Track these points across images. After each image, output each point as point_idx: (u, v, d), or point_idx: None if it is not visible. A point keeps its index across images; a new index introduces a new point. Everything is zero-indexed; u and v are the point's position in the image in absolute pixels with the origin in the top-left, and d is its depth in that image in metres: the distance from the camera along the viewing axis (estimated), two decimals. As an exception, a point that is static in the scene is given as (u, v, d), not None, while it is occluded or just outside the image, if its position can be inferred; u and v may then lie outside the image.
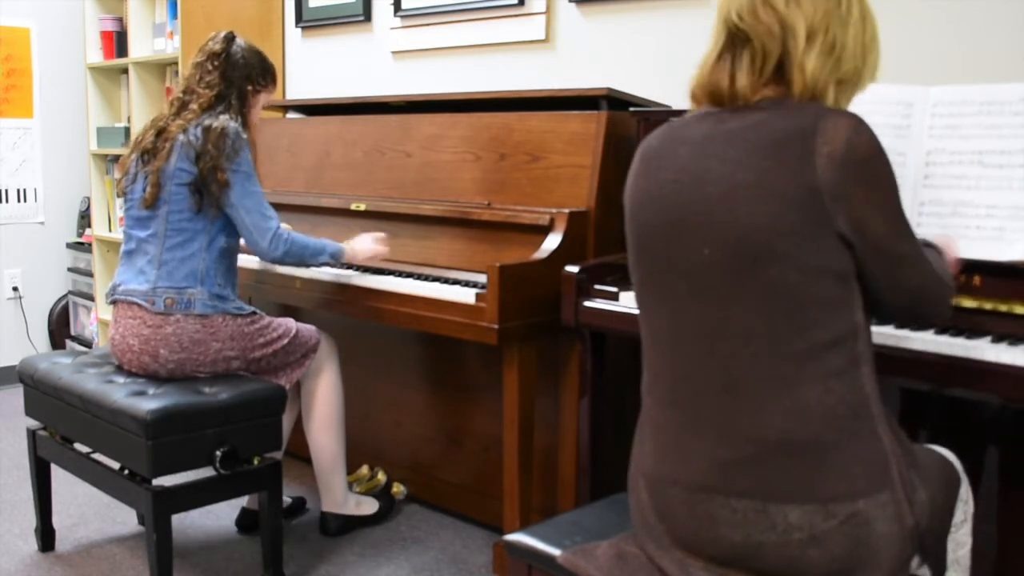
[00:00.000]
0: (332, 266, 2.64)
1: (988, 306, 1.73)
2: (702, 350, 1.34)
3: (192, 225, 2.40)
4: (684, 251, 1.35)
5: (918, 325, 1.67)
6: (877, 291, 1.36)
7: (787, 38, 1.35)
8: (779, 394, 1.29)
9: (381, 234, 2.67)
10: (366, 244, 2.65)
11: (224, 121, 2.42)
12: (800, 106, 1.34)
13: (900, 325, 1.67)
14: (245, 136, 2.46)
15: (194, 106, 2.48)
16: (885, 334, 1.67)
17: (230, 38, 2.56)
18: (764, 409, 1.29)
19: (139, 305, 2.39)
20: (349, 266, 2.69)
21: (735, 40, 1.38)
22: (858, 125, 1.30)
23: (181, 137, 2.41)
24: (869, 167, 1.29)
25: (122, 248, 2.52)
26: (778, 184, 1.28)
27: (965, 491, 1.52)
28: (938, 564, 1.43)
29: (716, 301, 1.32)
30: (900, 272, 1.35)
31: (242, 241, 2.52)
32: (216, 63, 2.52)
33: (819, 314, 1.28)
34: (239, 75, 2.53)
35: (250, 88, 2.56)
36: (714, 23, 1.42)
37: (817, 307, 1.28)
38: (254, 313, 2.49)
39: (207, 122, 2.42)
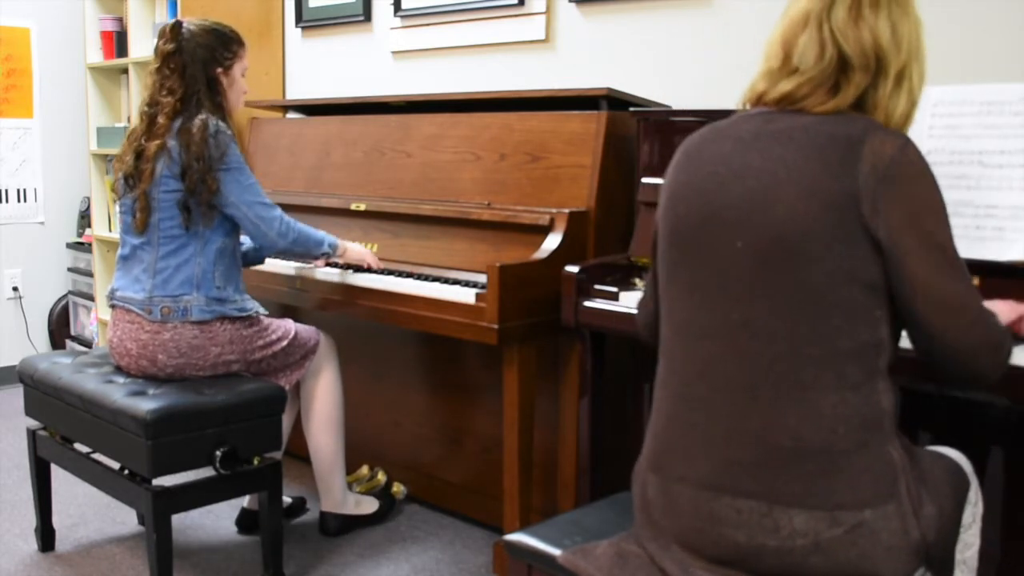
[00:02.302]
0: (329, 258, 2.61)
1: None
2: (723, 347, 1.34)
3: (185, 231, 2.36)
4: (717, 243, 1.36)
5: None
6: (915, 334, 1.32)
7: (878, 75, 1.37)
8: (794, 399, 1.28)
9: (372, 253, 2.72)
10: (360, 247, 2.68)
11: (201, 122, 2.34)
12: (855, 117, 1.35)
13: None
14: (229, 131, 2.39)
15: (161, 119, 2.38)
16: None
17: (177, 29, 2.43)
18: (778, 412, 1.29)
19: (136, 312, 2.38)
20: (347, 266, 2.69)
21: (842, 63, 1.37)
22: (906, 145, 1.30)
23: (161, 154, 2.34)
24: (911, 188, 1.28)
25: (118, 251, 2.50)
26: (818, 185, 1.28)
27: (974, 493, 1.51)
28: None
29: (743, 297, 1.33)
30: (940, 314, 1.30)
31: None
32: (172, 64, 2.41)
33: (842, 322, 1.28)
34: (200, 65, 2.41)
35: (219, 71, 2.46)
36: (809, 32, 1.40)
37: (841, 314, 1.28)
38: (253, 315, 2.47)
39: (183, 127, 2.34)
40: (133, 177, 2.41)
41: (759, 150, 1.35)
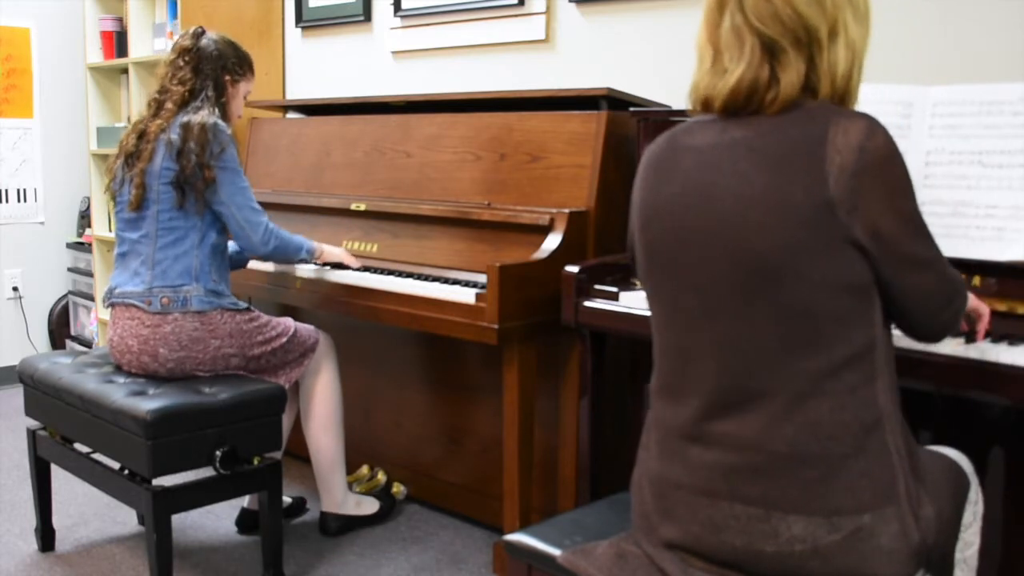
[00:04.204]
0: (306, 262, 2.68)
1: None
2: (713, 365, 1.32)
3: (183, 223, 2.40)
4: (694, 268, 1.33)
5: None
6: (894, 299, 1.31)
7: (812, 46, 1.29)
8: (791, 408, 1.27)
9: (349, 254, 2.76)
10: (337, 249, 2.74)
11: (204, 116, 2.41)
12: (811, 110, 1.28)
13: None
14: (229, 131, 2.44)
15: (169, 104, 2.46)
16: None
17: (199, 32, 2.55)
18: (774, 422, 1.27)
19: (136, 306, 2.39)
20: (325, 265, 2.71)
21: (769, 48, 1.30)
22: (870, 128, 1.25)
23: (163, 136, 2.40)
24: (883, 170, 1.24)
25: (115, 251, 2.52)
26: (788, 200, 1.24)
27: (974, 493, 1.51)
28: None
29: (728, 319, 1.30)
30: (917, 275, 1.30)
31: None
32: (187, 58, 2.50)
33: (837, 330, 1.26)
34: (212, 67, 2.51)
35: (228, 78, 2.55)
36: (727, 21, 1.34)
37: (834, 323, 1.25)
38: (249, 309, 2.49)
39: (185, 118, 2.40)
40: (132, 156, 2.45)
41: (720, 166, 1.30)
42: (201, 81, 2.49)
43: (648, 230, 1.40)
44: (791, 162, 1.25)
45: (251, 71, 2.63)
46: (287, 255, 2.60)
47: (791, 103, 1.29)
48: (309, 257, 2.64)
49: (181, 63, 2.50)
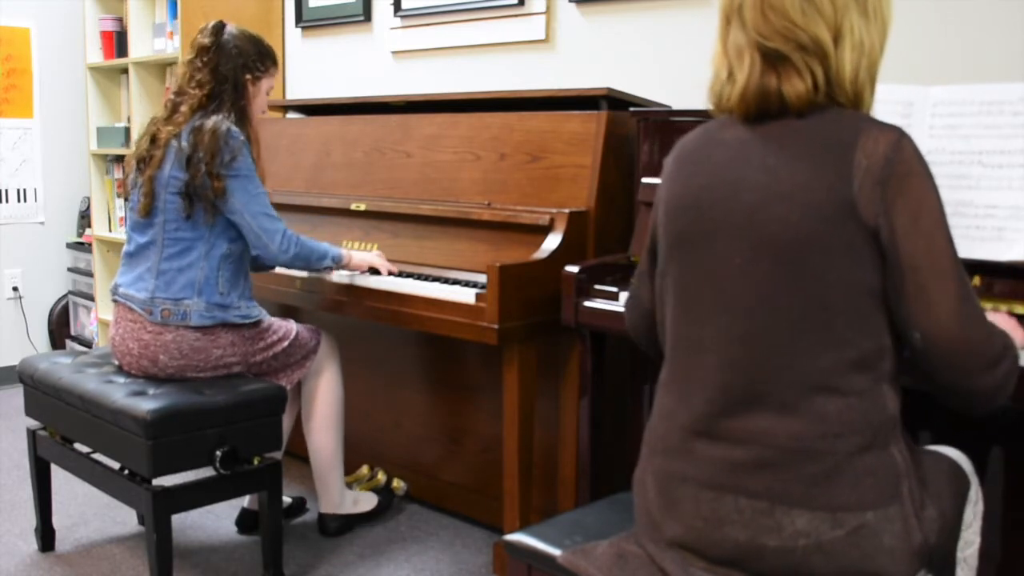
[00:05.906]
0: (332, 270, 2.61)
1: (988, 306, 1.72)
2: (725, 359, 1.33)
3: (190, 234, 2.36)
4: (715, 260, 1.34)
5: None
6: (906, 322, 1.28)
7: (819, 49, 1.30)
8: (799, 406, 1.27)
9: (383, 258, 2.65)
10: (368, 254, 2.64)
11: (216, 122, 2.34)
12: (842, 115, 1.31)
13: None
14: (242, 137, 2.38)
15: (184, 108, 2.40)
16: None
17: (219, 28, 2.46)
18: (781, 419, 1.28)
19: (138, 312, 2.38)
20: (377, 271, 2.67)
21: (771, 58, 1.31)
22: (899, 141, 1.26)
23: (173, 143, 2.36)
24: (907, 185, 1.25)
25: (124, 248, 2.50)
26: (813, 197, 1.26)
27: (975, 492, 1.51)
28: None
29: (743, 312, 1.31)
30: (934, 299, 1.26)
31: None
32: (206, 59, 2.42)
33: (848, 332, 1.26)
34: (232, 67, 2.43)
35: (248, 77, 2.47)
36: (733, 35, 1.35)
37: (846, 324, 1.26)
38: (258, 322, 2.46)
39: (197, 123, 2.35)
40: (144, 161, 2.42)
41: (750, 160, 1.32)
42: (219, 84, 2.41)
43: (675, 222, 1.41)
44: (818, 161, 1.27)
45: (274, 65, 2.54)
46: (308, 263, 2.49)
47: (814, 107, 1.31)
48: (335, 265, 2.54)
49: (200, 63, 2.42)
